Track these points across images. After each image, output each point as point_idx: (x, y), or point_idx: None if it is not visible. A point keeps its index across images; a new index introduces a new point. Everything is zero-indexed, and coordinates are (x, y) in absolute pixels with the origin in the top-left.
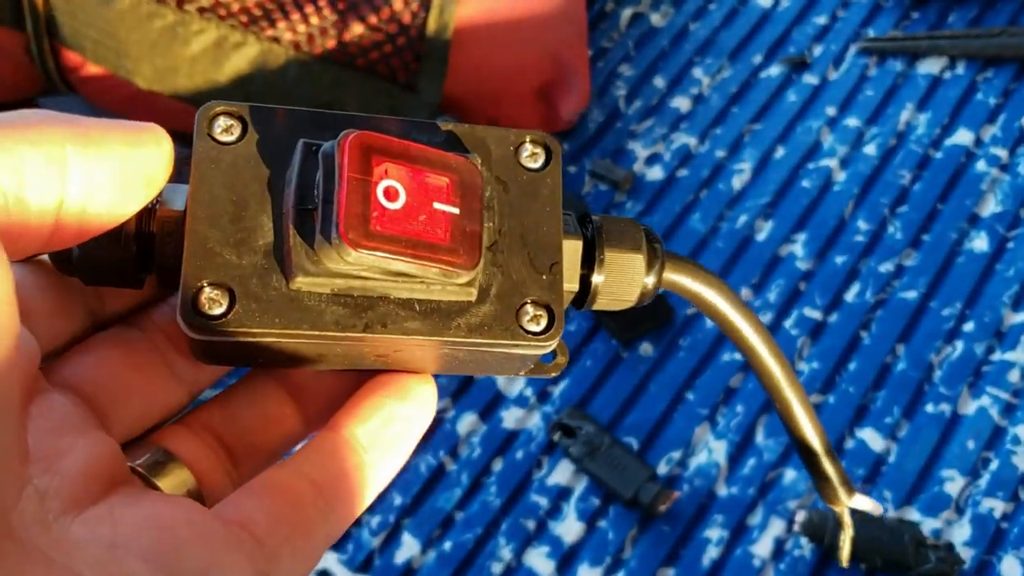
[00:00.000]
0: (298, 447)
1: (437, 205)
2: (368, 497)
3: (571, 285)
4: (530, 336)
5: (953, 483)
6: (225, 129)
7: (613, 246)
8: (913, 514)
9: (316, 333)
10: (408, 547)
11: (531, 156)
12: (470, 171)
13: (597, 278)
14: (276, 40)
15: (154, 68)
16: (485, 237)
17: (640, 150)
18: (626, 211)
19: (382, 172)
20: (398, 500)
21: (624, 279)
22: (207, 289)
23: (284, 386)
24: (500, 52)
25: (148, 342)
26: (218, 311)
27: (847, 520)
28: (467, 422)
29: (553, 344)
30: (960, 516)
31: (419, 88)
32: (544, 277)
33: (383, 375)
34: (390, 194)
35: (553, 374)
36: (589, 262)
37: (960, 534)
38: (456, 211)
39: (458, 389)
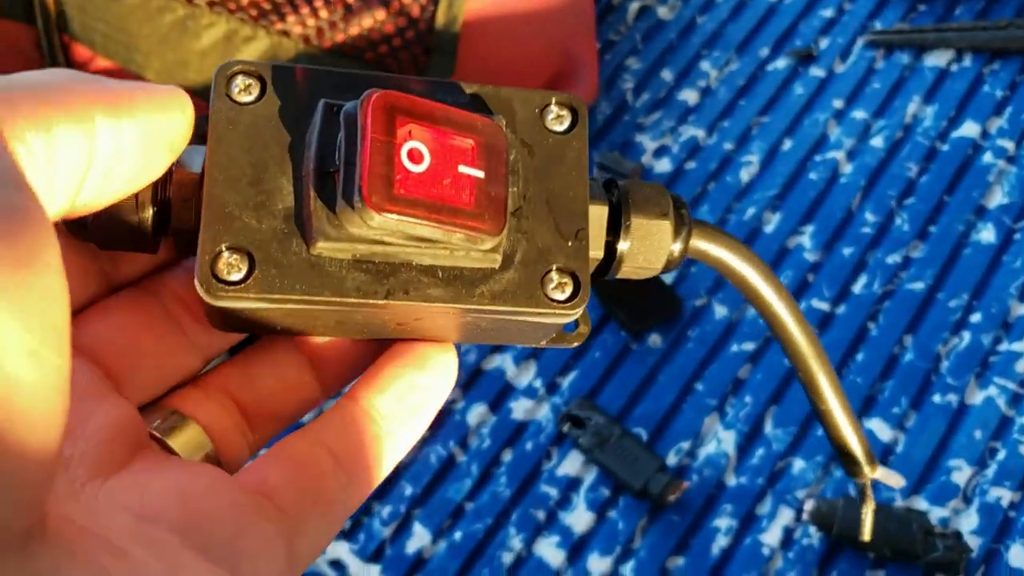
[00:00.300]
0: (312, 413)
1: (462, 168)
2: (387, 468)
3: (596, 252)
4: (555, 304)
5: (961, 472)
6: (243, 88)
7: (640, 212)
8: (921, 503)
9: (337, 299)
10: (419, 537)
11: (557, 119)
12: (495, 133)
13: (623, 245)
14: (286, 34)
15: (164, 62)
16: (510, 202)
17: (648, 143)
18: None
19: (406, 133)
20: (409, 490)
21: (651, 246)
22: (226, 254)
23: (302, 351)
24: (508, 45)
25: (162, 307)
26: (237, 276)
27: (869, 493)
28: (477, 413)
29: (578, 312)
30: (968, 505)
31: None
32: (570, 244)
33: (402, 343)
34: (414, 156)
35: (576, 344)
36: (615, 228)
37: (968, 523)
38: (481, 175)
39: (468, 380)
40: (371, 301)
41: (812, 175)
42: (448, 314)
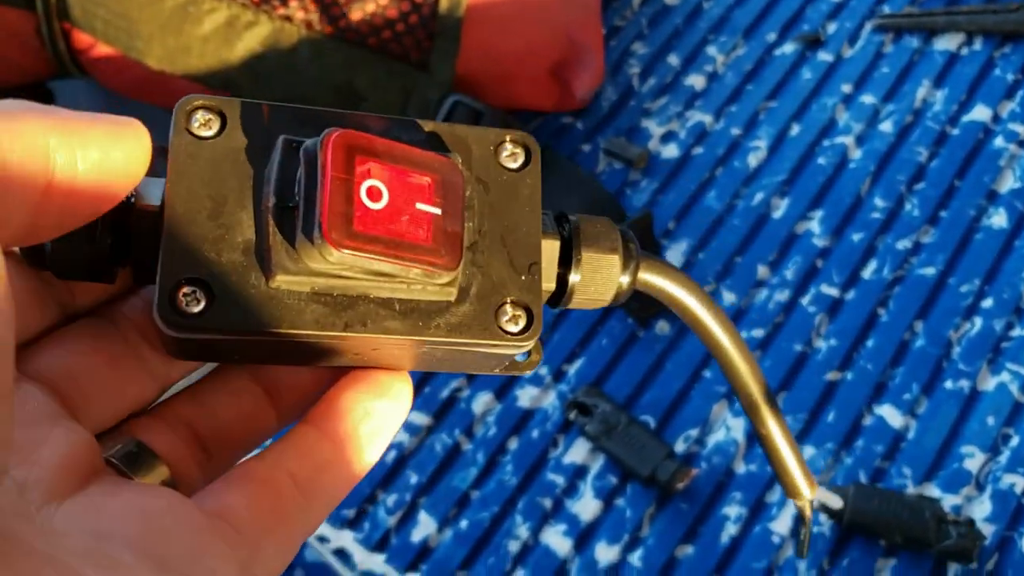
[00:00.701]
0: (271, 441)
1: (419, 205)
2: (344, 491)
3: (548, 284)
4: (508, 336)
5: (973, 459)
6: (203, 123)
7: (590, 246)
8: (933, 490)
9: (295, 332)
10: (424, 526)
11: (511, 156)
12: (452, 171)
13: (574, 277)
14: (288, 19)
15: (165, 48)
16: (466, 237)
17: (655, 128)
18: (641, 189)
19: (365, 172)
20: (414, 479)
21: (600, 279)
22: (185, 287)
23: (258, 380)
24: (513, 31)
25: (119, 335)
26: (196, 309)
27: (808, 514)
28: (482, 401)
29: (531, 344)
30: (980, 492)
31: (432, 67)
32: (523, 277)
33: (359, 371)
34: (373, 194)
35: (527, 371)
36: (566, 261)
37: (981, 510)
38: (438, 211)
39: None
40: (329, 333)
41: (821, 160)
42: (405, 345)
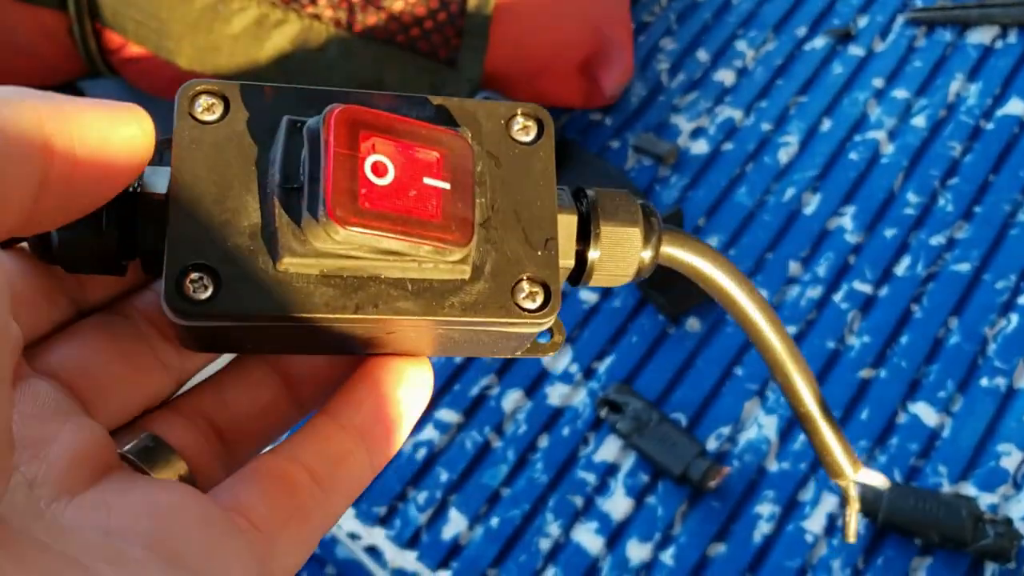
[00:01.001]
0: (290, 432)
1: (427, 180)
2: (363, 483)
3: (567, 261)
4: (526, 313)
5: (1010, 458)
6: (206, 108)
7: (609, 220)
8: (969, 489)
9: (305, 315)
10: (455, 523)
11: (523, 129)
12: (460, 145)
13: (593, 253)
14: (317, 17)
15: (195, 48)
16: (477, 213)
17: (684, 124)
18: (671, 185)
19: (369, 147)
20: (444, 476)
21: (620, 253)
22: (192, 273)
23: (276, 371)
24: (541, 27)
25: (132, 329)
26: (204, 295)
27: (852, 494)
28: (512, 399)
29: (550, 321)
30: (1017, 491)
31: (460, 64)
32: (539, 253)
33: (377, 359)
34: (378, 169)
35: (550, 353)
36: (585, 237)
37: (1018, 509)
38: (447, 186)
39: (502, 367)
40: (340, 316)
41: (852, 155)
42: (419, 327)
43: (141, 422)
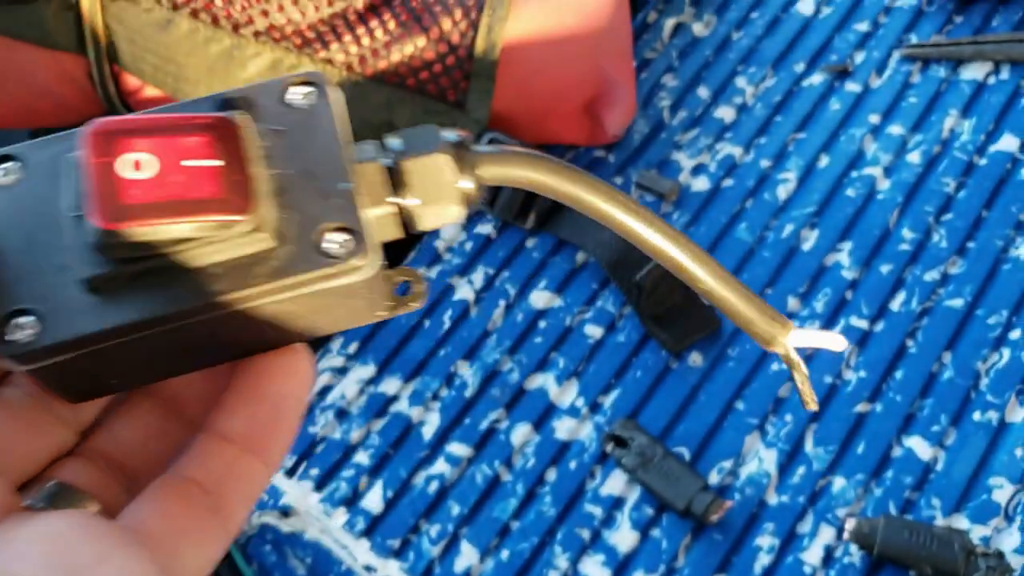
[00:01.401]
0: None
1: (196, 162)
2: (260, 484)
3: (381, 209)
4: (336, 261)
5: (1002, 491)
6: (2, 175)
7: (412, 154)
8: (962, 522)
9: (129, 323)
10: (467, 556)
11: (302, 96)
12: (224, 124)
13: (407, 192)
14: (329, 62)
15: (212, 91)
16: (267, 184)
17: (685, 160)
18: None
19: (125, 148)
20: (456, 510)
21: (435, 184)
22: (12, 320)
23: (156, 399)
24: (547, 69)
25: (24, 393)
26: (29, 335)
27: (794, 359)
28: (521, 432)
29: (364, 263)
30: (1009, 524)
31: (468, 106)
32: (338, 202)
33: (244, 361)
34: (140, 166)
35: (416, 305)
36: (397, 182)
37: (1010, 542)
38: (220, 163)
39: (511, 400)
40: (162, 315)
41: (849, 191)
42: (247, 307)
43: (45, 474)
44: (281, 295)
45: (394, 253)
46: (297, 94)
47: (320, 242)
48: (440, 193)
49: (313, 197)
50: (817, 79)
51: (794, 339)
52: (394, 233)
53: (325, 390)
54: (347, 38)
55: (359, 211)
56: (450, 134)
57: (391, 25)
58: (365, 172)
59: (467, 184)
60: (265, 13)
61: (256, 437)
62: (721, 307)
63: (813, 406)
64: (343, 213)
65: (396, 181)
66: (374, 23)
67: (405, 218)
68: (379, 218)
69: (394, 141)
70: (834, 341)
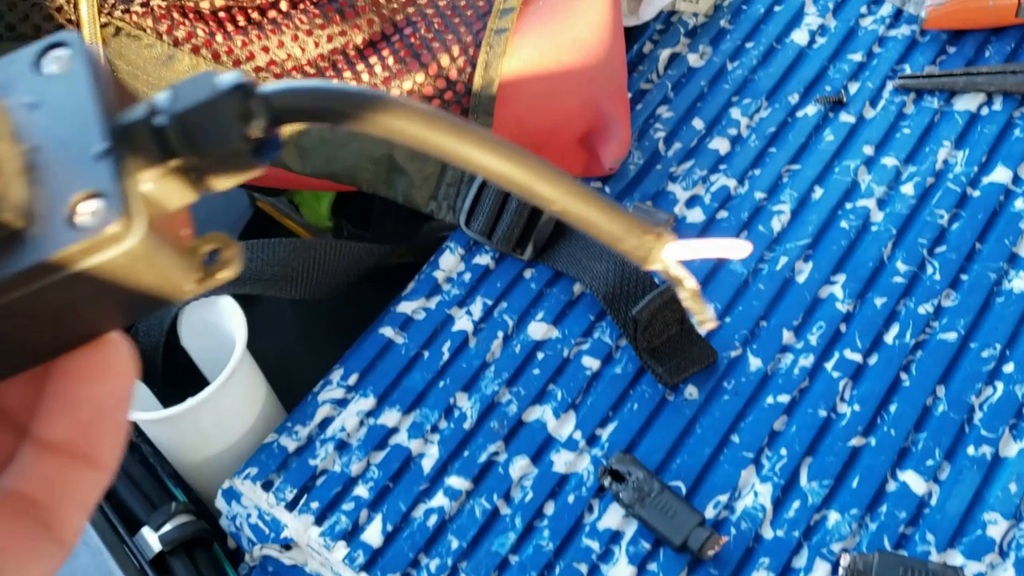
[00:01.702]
0: None
1: None
2: (95, 489)
3: (155, 170)
4: (89, 232)
5: (996, 526)
6: None
7: (185, 107)
8: (957, 557)
9: None
10: None
11: (52, 62)
12: None
13: (187, 150)
14: None
15: None
16: (13, 163)
17: (680, 192)
18: None
19: None
20: (455, 544)
21: (218, 138)
22: None
23: None
24: (543, 106)
25: None
26: None
27: (675, 273)
28: (519, 466)
29: (121, 230)
30: (1003, 559)
31: None
32: (94, 168)
33: (59, 360)
34: None
35: (228, 274)
36: (173, 140)
37: None
38: None
39: (509, 433)
40: None
41: (843, 224)
42: (13, 303)
43: None
44: (40, 282)
45: (393, 282)
46: (51, 60)
47: (74, 215)
48: (224, 144)
49: (68, 168)
50: (811, 110)
51: (674, 251)
52: (185, 196)
53: (325, 422)
54: (347, 74)
55: (123, 176)
56: (227, 76)
57: (390, 61)
58: (134, 134)
59: (254, 130)
60: (266, 49)
61: (81, 443)
62: (582, 227)
63: (710, 324)
64: (99, 178)
65: (172, 138)
66: (373, 59)
67: (193, 178)
68: (157, 182)
69: (163, 95)
70: (730, 248)
